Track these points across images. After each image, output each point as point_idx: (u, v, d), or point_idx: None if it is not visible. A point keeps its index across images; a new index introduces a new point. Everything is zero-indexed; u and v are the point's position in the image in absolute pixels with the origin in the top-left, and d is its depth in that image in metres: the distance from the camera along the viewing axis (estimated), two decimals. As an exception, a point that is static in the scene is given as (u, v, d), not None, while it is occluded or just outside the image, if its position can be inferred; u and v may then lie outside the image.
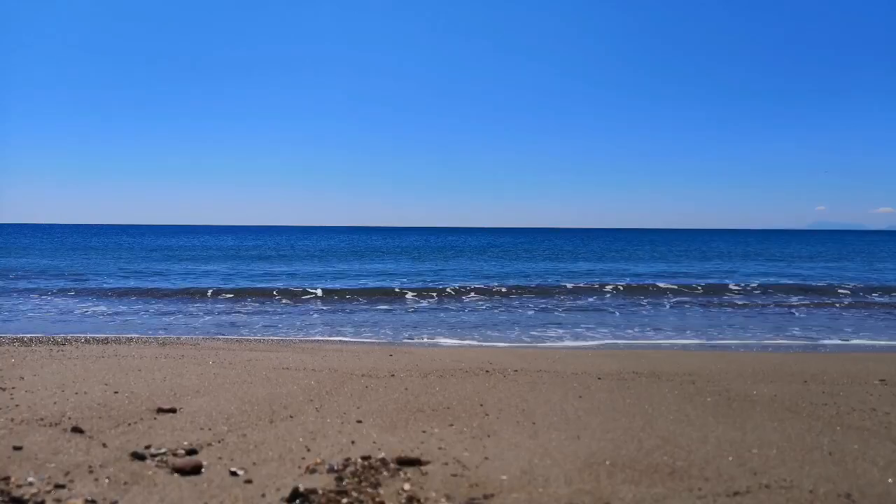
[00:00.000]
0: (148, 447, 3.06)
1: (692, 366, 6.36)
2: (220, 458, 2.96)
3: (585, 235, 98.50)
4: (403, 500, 2.49)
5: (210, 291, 16.21)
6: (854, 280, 20.73)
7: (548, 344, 9.46)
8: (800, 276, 22.99)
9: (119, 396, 4.16)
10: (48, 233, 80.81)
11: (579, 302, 15.52)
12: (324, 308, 14.46)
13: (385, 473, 2.79)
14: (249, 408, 4.00)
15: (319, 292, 16.30)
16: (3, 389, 4.24)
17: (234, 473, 2.75)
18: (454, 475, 2.81)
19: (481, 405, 4.29)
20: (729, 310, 14.21)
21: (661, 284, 18.36)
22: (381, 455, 3.05)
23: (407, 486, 2.64)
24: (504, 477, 2.80)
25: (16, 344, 7.30)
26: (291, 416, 3.82)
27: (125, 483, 2.59)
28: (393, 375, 5.45)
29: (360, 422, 3.75)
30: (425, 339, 9.90)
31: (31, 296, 15.16)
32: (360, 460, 2.95)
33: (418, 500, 2.50)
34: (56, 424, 3.40)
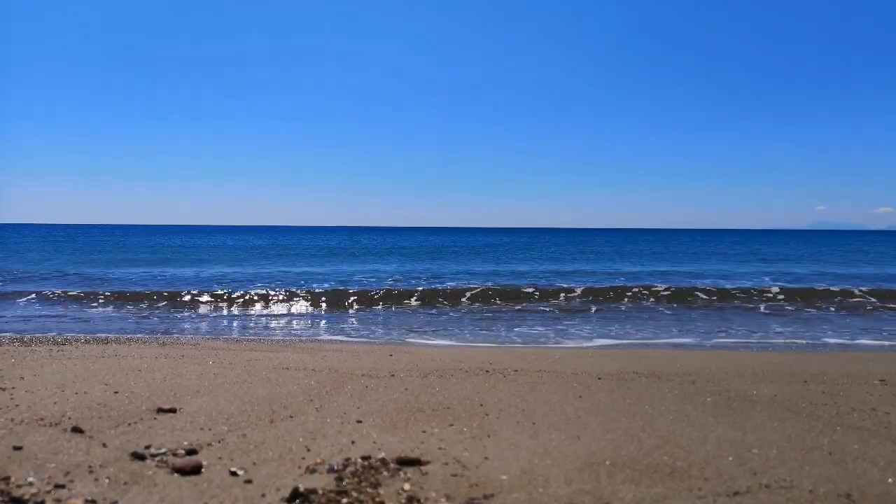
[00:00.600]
0: (148, 447, 3.06)
1: (692, 366, 6.36)
2: (220, 458, 2.97)
3: (585, 235, 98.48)
4: (403, 500, 2.49)
5: (189, 296, 16.21)
6: (866, 283, 20.68)
7: (548, 344, 9.47)
8: (794, 276, 22.98)
9: (119, 396, 4.16)
10: (48, 233, 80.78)
11: (579, 302, 15.53)
12: (324, 308, 14.50)
13: (385, 473, 2.79)
14: (249, 408, 4.00)
15: (320, 292, 16.30)
16: (3, 389, 4.24)
17: (234, 473, 2.75)
18: (454, 475, 2.81)
19: (481, 405, 4.29)
20: (729, 310, 14.24)
21: (660, 285, 18.34)
22: (381, 455, 3.05)
23: (407, 486, 2.64)
24: (504, 477, 2.80)
25: (16, 344, 7.30)
26: (291, 416, 3.82)
27: (125, 483, 2.59)
28: (393, 375, 5.46)
29: (360, 422, 3.75)
30: (425, 339, 9.90)
31: (32, 296, 15.16)
32: (360, 460, 2.95)
33: (418, 500, 2.50)
34: (56, 424, 3.40)
